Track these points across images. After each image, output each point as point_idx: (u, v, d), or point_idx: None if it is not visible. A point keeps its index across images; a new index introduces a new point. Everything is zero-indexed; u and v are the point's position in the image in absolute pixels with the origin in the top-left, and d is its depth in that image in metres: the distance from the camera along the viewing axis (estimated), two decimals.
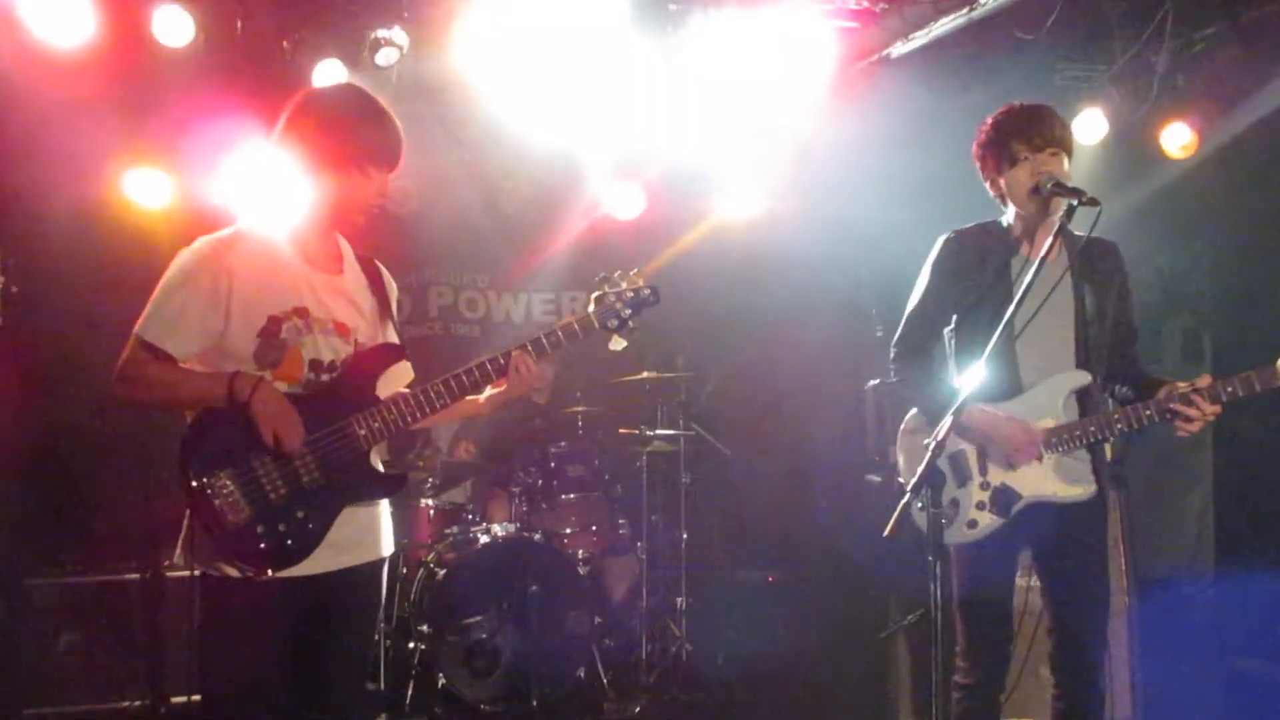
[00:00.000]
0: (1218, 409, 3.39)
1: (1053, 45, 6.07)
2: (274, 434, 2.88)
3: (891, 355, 3.83)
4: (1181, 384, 3.47)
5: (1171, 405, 3.41)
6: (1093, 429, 3.51)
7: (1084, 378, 3.56)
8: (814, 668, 6.14)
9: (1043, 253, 3.40)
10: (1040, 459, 3.53)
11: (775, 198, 7.16)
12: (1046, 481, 3.53)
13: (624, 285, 3.31)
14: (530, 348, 3.18)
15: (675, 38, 6.21)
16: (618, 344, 3.35)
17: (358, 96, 3.16)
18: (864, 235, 6.97)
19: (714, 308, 7.49)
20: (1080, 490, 3.54)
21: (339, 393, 3.04)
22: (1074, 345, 3.60)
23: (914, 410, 3.78)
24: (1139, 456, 5.81)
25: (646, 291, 3.33)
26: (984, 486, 3.56)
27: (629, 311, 3.29)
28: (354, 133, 3.03)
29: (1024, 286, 3.20)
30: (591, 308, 3.29)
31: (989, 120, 3.70)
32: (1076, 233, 3.52)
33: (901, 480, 3.74)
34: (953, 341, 3.72)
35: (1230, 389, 3.39)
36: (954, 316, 3.71)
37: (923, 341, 3.77)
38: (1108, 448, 4.00)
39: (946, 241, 3.79)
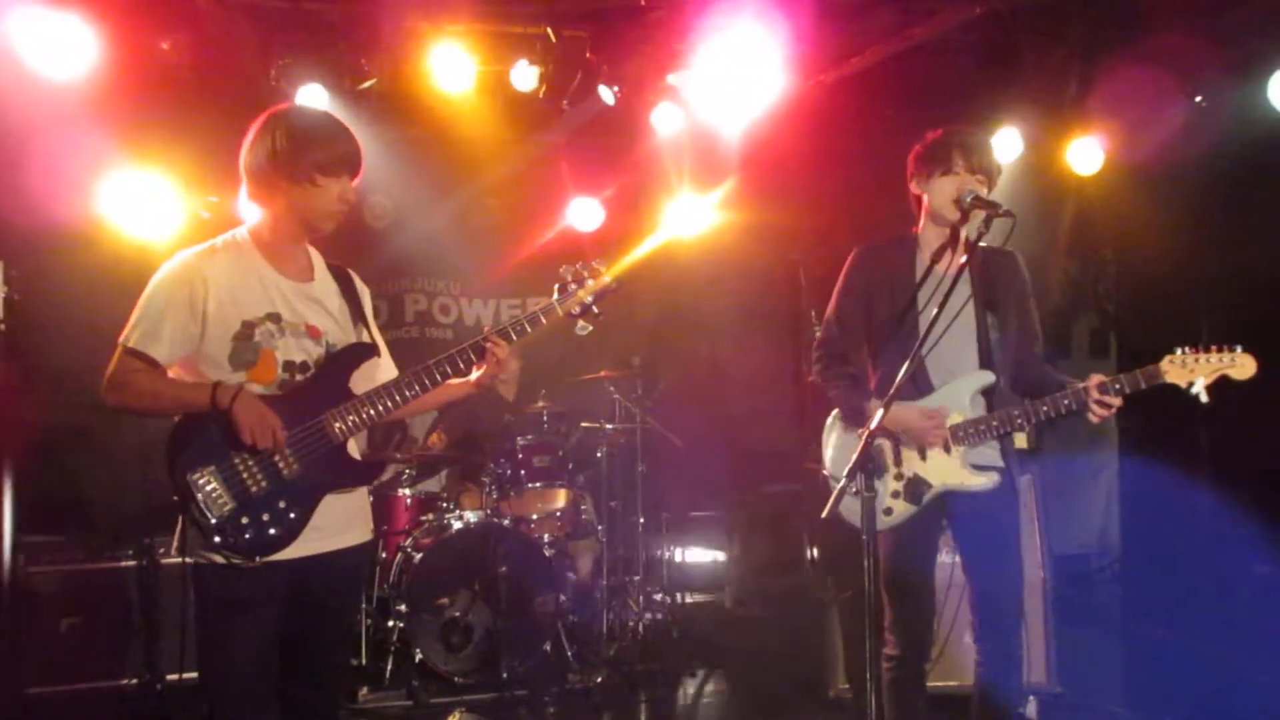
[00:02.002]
0: (1118, 400, 3.45)
1: (973, 70, 6.14)
2: (254, 438, 2.86)
3: (813, 359, 3.86)
4: (1078, 383, 3.53)
5: (1096, 398, 3.44)
6: (995, 423, 3.55)
7: (988, 377, 3.60)
8: (758, 638, 6.17)
9: (948, 267, 3.48)
10: (949, 450, 3.57)
11: (722, 209, 7.19)
12: (954, 472, 3.57)
13: (586, 275, 3.26)
14: (498, 336, 3.14)
15: (631, 66, 6.24)
16: (583, 328, 3.30)
17: (307, 114, 3.17)
18: (803, 243, 7.02)
19: (667, 310, 7.51)
20: (985, 479, 3.57)
21: (314, 391, 3.02)
22: (976, 348, 3.63)
23: (835, 410, 3.81)
24: (1052, 446, 5.89)
25: (607, 279, 3.28)
26: (898, 477, 3.59)
27: (590, 299, 3.26)
28: (303, 147, 2.99)
29: (930, 299, 3.26)
30: (555, 296, 3.25)
31: (938, 131, 3.72)
32: (980, 244, 3.57)
33: (827, 471, 3.78)
34: (867, 346, 3.76)
35: (1118, 386, 3.46)
36: (866, 324, 3.74)
37: (840, 347, 3.80)
38: (1022, 438, 4.06)
39: (857, 255, 3.83)
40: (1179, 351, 3.44)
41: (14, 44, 5.23)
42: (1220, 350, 3.43)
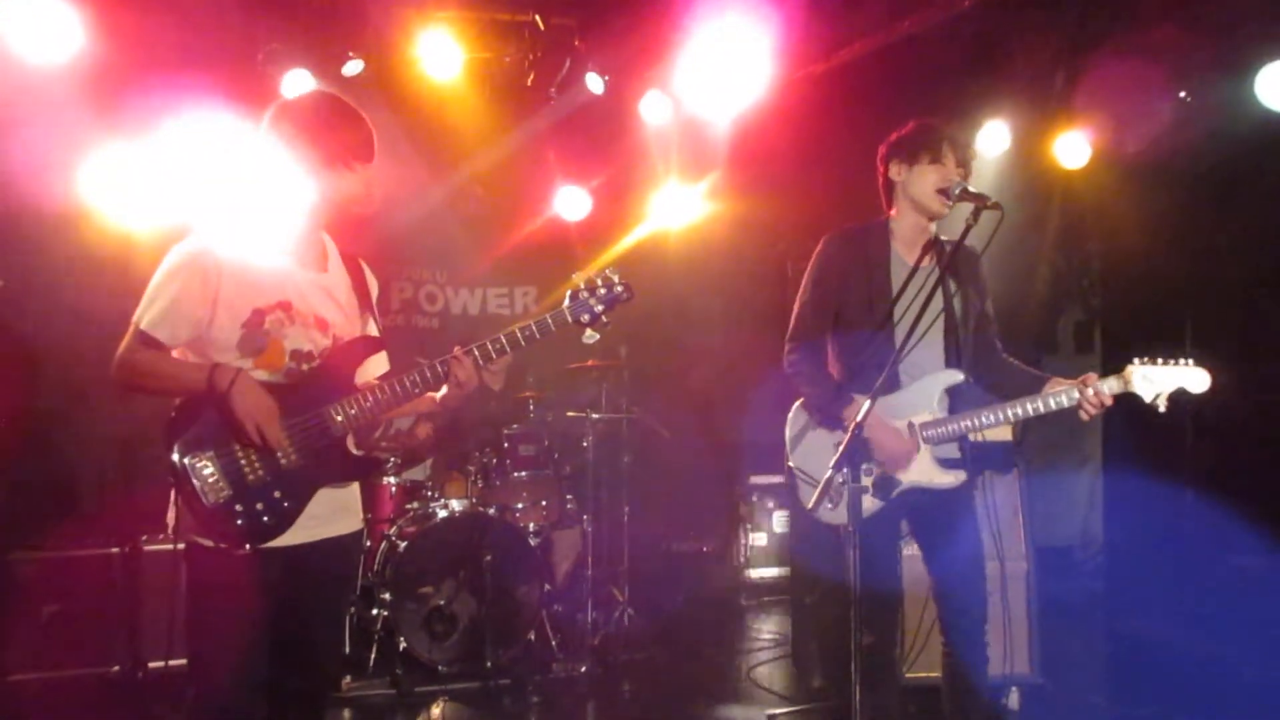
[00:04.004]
0: (1110, 400, 3.41)
1: (961, 64, 6.14)
2: (251, 423, 2.83)
3: (786, 349, 3.82)
4: (1059, 381, 3.51)
5: (1091, 399, 3.41)
6: (965, 423, 3.54)
7: (956, 376, 3.59)
8: (740, 629, 6.18)
9: (926, 263, 3.46)
10: (917, 449, 3.56)
11: (709, 200, 7.19)
12: (924, 470, 3.57)
13: (598, 281, 3.15)
14: (505, 340, 3.08)
15: (619, 55, 6.23)
16: (591, 337, 3.17)
17: (330, 99, 3.11)
18: (790, 234, 7.02)
19: (655, 301, 7.50)
20: (952, 478, 3.58)
21: (318, 381, 2.99)
22: (944, 346, 3.63)
23: (800, 401, 3.79)
24: (1037, 437, 5.91)
25: (620, 288, 3.14)
26: (868, 473, 3.56)
27: (601, 307, 3.14)
28: (336, 131, 2.98)
29: (914, 300, 3.26)
30: (565, 302, 3.14)
31: (922, 120, 3.69)
32: (946, 240, 3.57)
33: (791, 464, 3.76)
34: (835, 335, 3.74)
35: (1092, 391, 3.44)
36: (835, 312, 3.72)
37: (812, 335, 3.76)
38: (1007, 431, 4.05)
39: (827, 242, 3.80)
40: (1137, 362, 3.42)
41: None
42: (1178, 362, 3.42)
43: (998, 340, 3.79)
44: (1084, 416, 3.47)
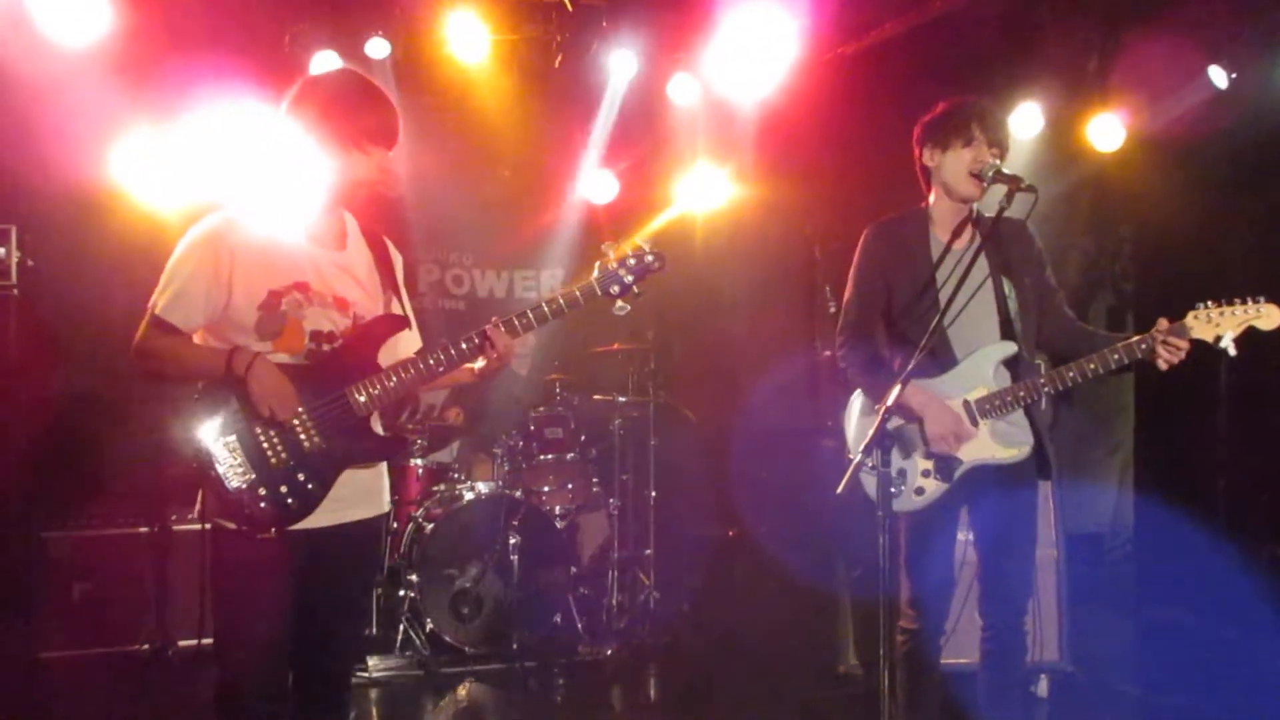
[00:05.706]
0: (1185, 343, 3.35)
1: (993, 44, 6.07)
2: (268, 407, 2.82)
3: (837, 343, 3.79)
4: (1129, 336, 3.46)
5: (1163, 340, 3.35)
6: (1021, 393, 3.49)
7: (1010, 348, 3.54)
8: (769, 613, 6.16)
9: (963, 242, 3.45)
10: (976, 425, 3.52)
11: (737, 183, 7.15)
12: (985, 446, 3.52)
13: (628, 251, 3.11)
14: (532, 315, 3.04)
15: (648, 37, 6.20)
16: (621, 308, 3.12)
17: (355, 79, 3.07)
18: (818, 217, 6.97)
19: (681, 284, 7.47)
20: (1015, 451, 3.53)
21: (340, 362, 2.96)
22: (996, 319, 3.57)
23: (858, 391, 3.75)
24: (1067, 422, 5.86)
25: (650, 258, 3.09)
26: (928, 456, 3.53)
27: (631, 278, 3.08)
28: (352, 113, 2.94)
29: (950, 275, 3.22)
30: (595, 274, 3.10)
31: (951, 101, 3.64)
32: (987, 215, 3.53)
33: (851, 456, 3.73)
34: (886, 325, 3.70)
35: (1144, 346, 3.38)
36: (886, 302, 3.69)
37: (862, 328, 3.72)
38: None
39: (870, 234, 3.76)
40: (1202, 306, 3.38)
41: (29, 9, 5.21)
42: (1244, 302, 3.36)
43: (1066, 307, 3.73)
44: (1162, 365, 3.39)
